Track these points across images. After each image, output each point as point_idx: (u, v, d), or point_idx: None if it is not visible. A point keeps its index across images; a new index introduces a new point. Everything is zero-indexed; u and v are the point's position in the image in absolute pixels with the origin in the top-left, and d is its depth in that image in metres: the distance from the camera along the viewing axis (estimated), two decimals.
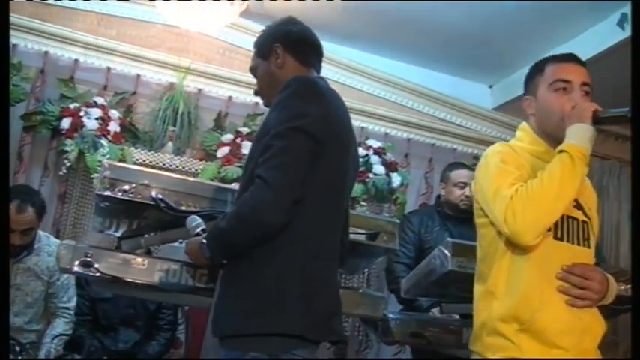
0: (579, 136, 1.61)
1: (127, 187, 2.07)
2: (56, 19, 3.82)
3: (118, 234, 2.35)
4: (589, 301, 1.61)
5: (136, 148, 3.69)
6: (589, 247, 1.69)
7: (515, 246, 1.61)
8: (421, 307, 2.87)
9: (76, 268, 2.03)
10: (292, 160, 1.53)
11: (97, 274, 2.08)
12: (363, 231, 2.26)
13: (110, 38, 3.92)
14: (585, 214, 1.72)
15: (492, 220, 1.62)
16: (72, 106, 3.64)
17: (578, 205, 1.70)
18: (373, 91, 4.44)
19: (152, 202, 2.05)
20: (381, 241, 2.29)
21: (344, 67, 4.33)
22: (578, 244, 1.66)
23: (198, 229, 1.80)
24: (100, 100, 3.73)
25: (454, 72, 4.69)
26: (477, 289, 1.71)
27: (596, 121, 1.63)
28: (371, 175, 3.78)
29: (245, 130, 3.91)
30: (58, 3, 3.84)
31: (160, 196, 2.05)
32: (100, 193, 2.07)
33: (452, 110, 4.61)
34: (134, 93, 3.90)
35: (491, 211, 1.62)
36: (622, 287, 2.52)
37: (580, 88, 1.70)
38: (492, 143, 4.53)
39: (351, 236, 2.24)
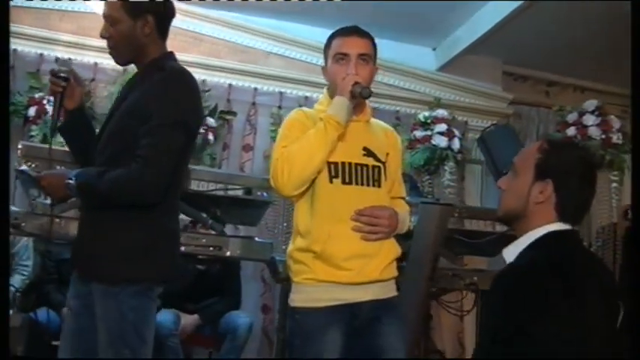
0: (336, 106, 1.97)
1: (37, 163, 2.54)
2: (23, 19, 4.31)
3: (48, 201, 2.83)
4: (381, 234, 2.01)
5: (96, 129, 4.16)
6: (379, 187, 2.06)
7: (309, 193, 2.00)
8: None
9: None
10: (173, 152, 1.84)
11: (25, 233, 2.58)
12: (238, 186, 2.69)
13: (70, 32, 4.42)
14: (378, 160, 2.07)
15: None
16: (37, 95, 4.15)
17: (369, 153, 2.06)
18: (317, 62, 4.76)
19: None
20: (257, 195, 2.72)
21: (285, 40, 4.73)
22: (368, 186, 2.03)
23: None
24: None
25: (398, 38, 4.90)
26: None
27: (352, 92, 1.96)
28: None
29: None
30: (25, 4, 4.32)
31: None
32: (16, 168, 2.54)
33: (394, 75, 4.95)
34: (93, 79, 4.39)
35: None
36: None
37: (357, 58, 2.03)
38: (432, 103, 4.79)
39: (230, 192, 2.69)
